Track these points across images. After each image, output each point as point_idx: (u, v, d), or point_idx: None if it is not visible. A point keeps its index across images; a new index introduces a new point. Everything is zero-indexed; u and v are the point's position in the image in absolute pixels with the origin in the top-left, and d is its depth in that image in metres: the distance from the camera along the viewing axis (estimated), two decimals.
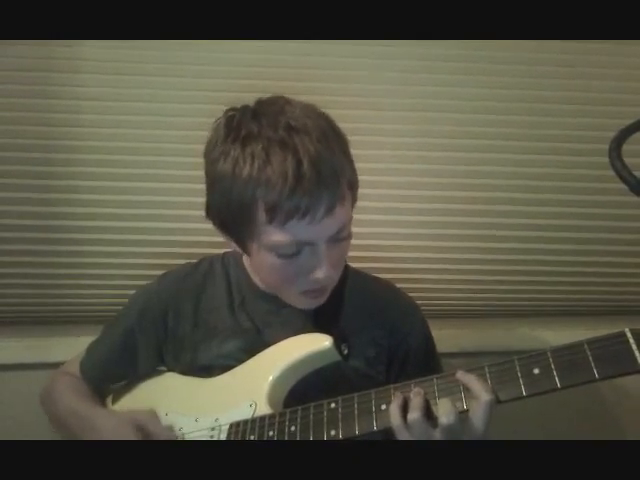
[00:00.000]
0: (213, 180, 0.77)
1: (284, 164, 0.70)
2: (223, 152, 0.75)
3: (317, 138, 0.72)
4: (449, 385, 0.70)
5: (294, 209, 0.71)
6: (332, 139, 0.75)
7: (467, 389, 0.68)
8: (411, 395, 0.70)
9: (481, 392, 0.66)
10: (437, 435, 0.68)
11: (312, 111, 0.77)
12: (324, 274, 0.77)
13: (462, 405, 0.68)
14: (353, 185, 0.79)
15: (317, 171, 0.71)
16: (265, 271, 0.82)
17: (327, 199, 0.72)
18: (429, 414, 0.69)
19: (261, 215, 0.73)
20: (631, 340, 0.62)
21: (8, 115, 1.14)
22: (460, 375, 0.69)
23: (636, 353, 0.61)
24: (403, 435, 0.69)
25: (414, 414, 0.68)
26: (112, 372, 0.97)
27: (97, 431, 0.85)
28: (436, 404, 0.69)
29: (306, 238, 0.74)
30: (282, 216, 0.72)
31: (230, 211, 0.76)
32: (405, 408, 0.70)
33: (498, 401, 0.67)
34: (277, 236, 0.74)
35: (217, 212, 0.79)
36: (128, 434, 0.81)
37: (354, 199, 0.80)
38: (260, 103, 0.78)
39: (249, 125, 0.74)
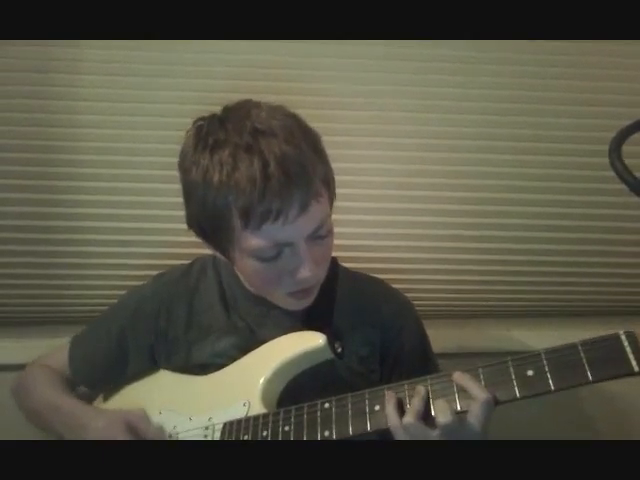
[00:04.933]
0: (188, 191, 0.78)
1: (251, 168, 0.70)
2: (194, 162, 0.75)
3: (284, 138, 0.72)
4: (444, 386, 0.70)
5: (266, 212, 0.71)
6: (300, 138, 0.74)
7: (463, 390, 0.68)
8: (407, 395, 0.70)
9: (478, 392, 0.66)
10: (435, 435, 0.68)
11: (279, 112, 0.77)
12: (308, 273, 0.76)
13: (456, 406, 0.68)
14: (328, 181, 0.78)
15: (285, 171, 0.71)
16: (250, 276, 0.83)
17: (299, 198, 0.72)
18: (426, 415, 0.69)
19: (236, 221, 0.73)
20: (625, 343, 0.62)
21: (7, 115, 1.14)
22: (457, 377, 0.69)
23: (630, 356, 0.61)
24: (400, 436, 0.69)
25: (408, 417, 0.68)
26: (104, 374, 0.97)
27: (86, 429, 0.84)
28: (432, 405, 0.69)
29: (283, 239, 0.74)
30: (256, 220, 0.72)
31: (207, 221, 0.77)
32: (401, 408, 0.70)
33: (496, 402, 0.66)
34: (254, 241, 0.74)
35: (196, 223, 0.79)
36: (119, 434, 0.81)
37: (331, 195, 0.80)
38: (227, 109, 0.78)
39: (216, 133, 0.75)
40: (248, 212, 0.71)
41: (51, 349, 1.23)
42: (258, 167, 0.70)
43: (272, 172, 0.70)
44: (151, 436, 0.82)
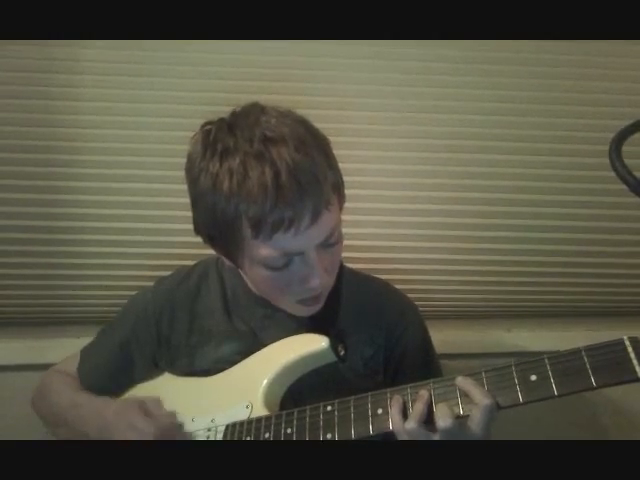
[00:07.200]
0: (196, 197, 0.77)
1: (263, 177, 0.69)
2: (202, 168, 0.74)
3: (294, 146, 0.71)
4: (447, 390, 0.69)
5: (278, 222, 0.70)
6: (310, 145, 0.73)
7: (465, 395, 0.68)
8: (410, 400, 0.70)
9: (481, 397, 0.66)
10: (436, 439, 0.67)
11: (288, 118, 0.75)
12: (318, 282, 0.76)
13: (459, 410, 0.68)
14: (338, 187, 0.77)
15: (297, 180, 0.70)
16: (258, 284, 0.82)
17: (311, 207, 0.71)
18: (429, 418, 0.68)
19: (246, 230, 0.72)
20: (629, 348, 0.61)
21: (7, 115, 1.14)
22: (460, 381, 0.68)
23: (634, 362, 0.60)
24: (403, 438, 0.69)
25: (411, 422, 0.68)
26: (111, 384, 0.96)
27: (99, 415, 0.84)
28: (434, 409, 0.68)
29: (294, 249, 0.74)
30: (267, 230, 0.71)
31: (216, 228, 0.76)
32: (404, 412, 0.70)
33: (499, 407, 0.66)
34: (265, 250, 0.73)
35: (204, 229, 0.78)
36: (132, 414, 0.81)
37: (341, 201, 0.79)
38: (235, 115, 0.77)
39: (225, 139, 0.73)
40: (259, 222, 0.70)
41: (51, 349, 1.24)
42: (270, 176, 0.69)
43: (284, 181, 0.69)
44: (163, 420, 0.82)
